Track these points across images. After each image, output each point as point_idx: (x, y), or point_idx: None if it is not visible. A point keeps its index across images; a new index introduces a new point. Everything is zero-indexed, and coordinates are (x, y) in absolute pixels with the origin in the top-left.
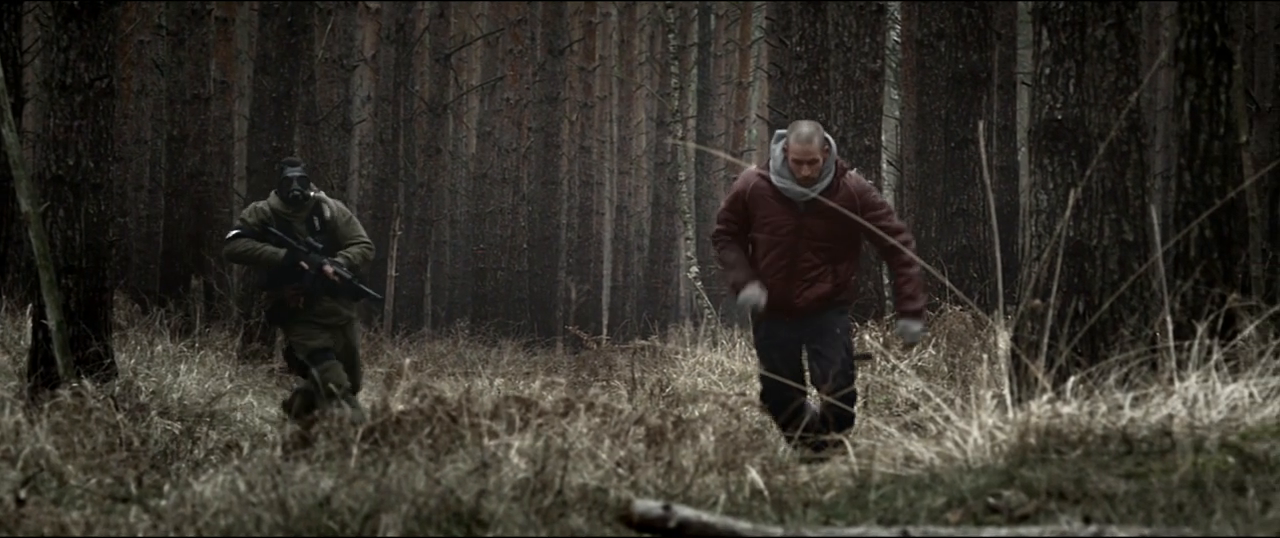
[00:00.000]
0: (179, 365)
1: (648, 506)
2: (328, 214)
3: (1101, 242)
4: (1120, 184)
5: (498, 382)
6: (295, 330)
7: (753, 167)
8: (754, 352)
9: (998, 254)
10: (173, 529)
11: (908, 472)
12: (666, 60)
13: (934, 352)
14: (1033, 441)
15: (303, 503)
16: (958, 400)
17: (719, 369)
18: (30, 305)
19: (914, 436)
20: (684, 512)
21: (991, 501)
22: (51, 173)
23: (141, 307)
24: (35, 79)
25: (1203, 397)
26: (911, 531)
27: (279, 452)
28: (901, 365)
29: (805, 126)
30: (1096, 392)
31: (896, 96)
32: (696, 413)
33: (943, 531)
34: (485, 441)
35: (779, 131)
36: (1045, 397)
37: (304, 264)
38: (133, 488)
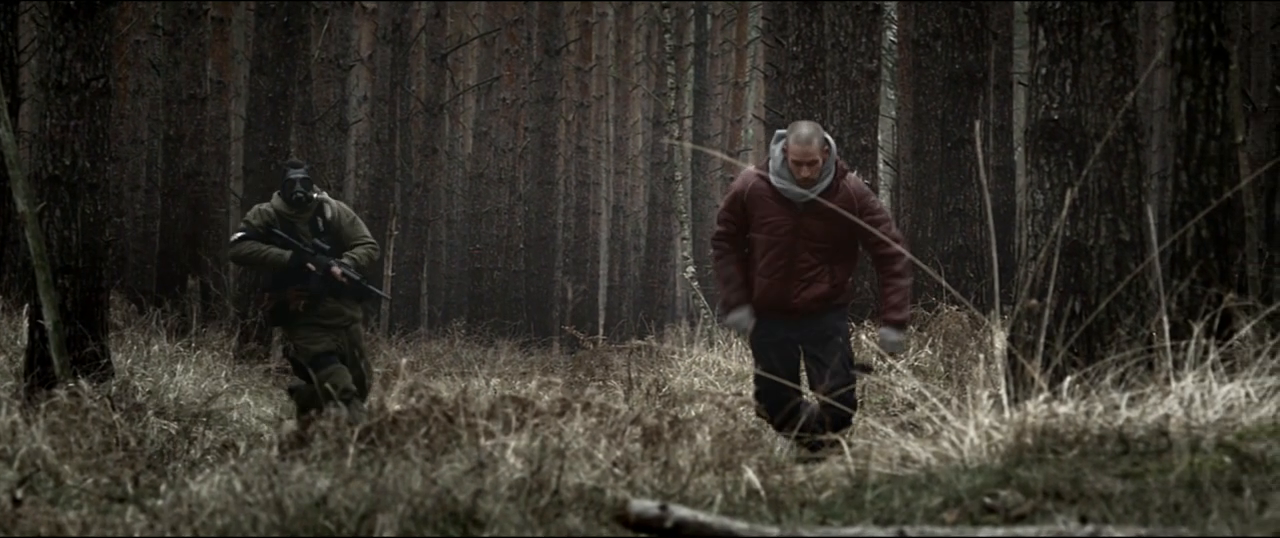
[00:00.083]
0: (175, 365)
1: (644, 505)
2: (330, 215)
3: (1098, 241)
4: (1117, 184)
5: (494, 382)
6: (298, 334)
7: (752, 167)
8: (749, 351)
9: (994, 254)
10: (169, 529)
11: (904, 472)
12: (663, 60)
13: (930, 352)
14: (1029, 440)
15: (299, 503)
16: (954, 400)
17: (715, 369)
18: (27, 305)
19: (910, 435)
20: (680, 512)
21: (988, 501)
22: (48, 173)
23: (138, 307)
24: (31, 79)
25: (1199, 397)
26: (908, 531)
27: (275, 452)
28: (898, 365)
29: (805, 127)
30: (1093, 392)
31: (893, 96)
32: (693, 413)
33: (939, 531)
34: (481, 440)
35: (779, 132)
36: (1042, 397)
37: (311, 265)
38: (129, 488)
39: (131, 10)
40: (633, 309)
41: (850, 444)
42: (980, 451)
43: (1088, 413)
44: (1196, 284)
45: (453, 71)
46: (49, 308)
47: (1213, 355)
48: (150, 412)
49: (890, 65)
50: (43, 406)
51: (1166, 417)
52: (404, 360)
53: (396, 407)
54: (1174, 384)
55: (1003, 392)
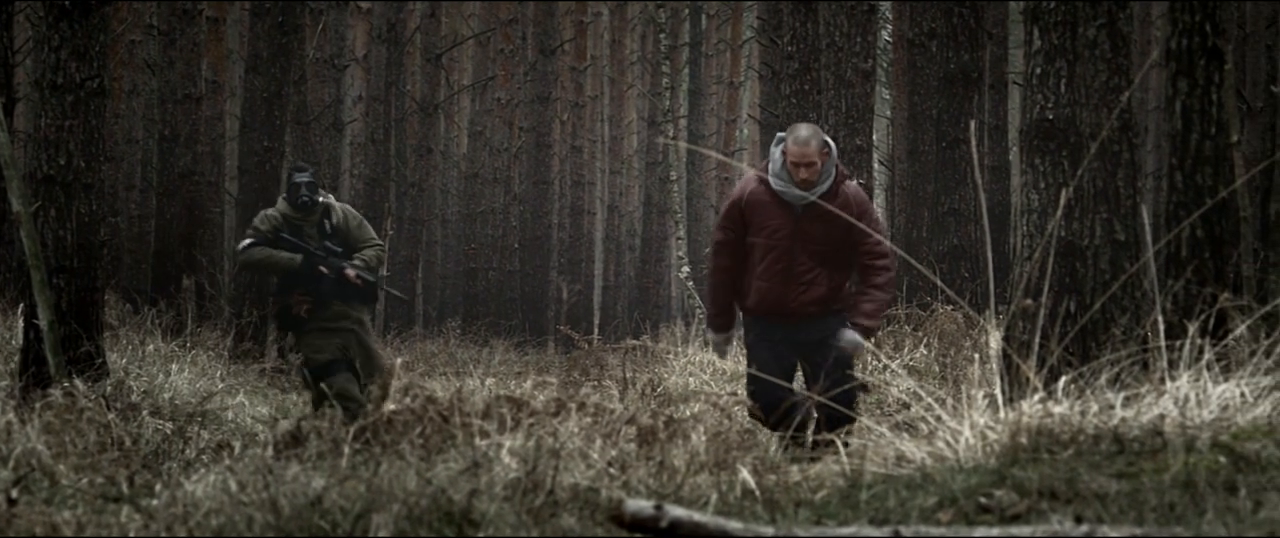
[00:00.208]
0: (170, 365)
1: (639, 505)
2: (336, 218)
3: (1093, 241)
4: (1112, 184)
5: (489, 381)
6: (305, 342)
7: (751, 172)
8: (744, 350)
9: (989, 254)
10: (164, 529)
11: (899, 472)
12: (658, 60)
13: (925, 351)
14: (1024, 440)
15: (294, 503)
16: (949, 400)
17: (710, 369)
18: (21, 305)
19: (905, 435)
20: (676, 512)
21: (983, 500)
22: (43, 172)
23: (133, 306)
24: (26, 79)
25: (1194, 396)
26: (903, 530)
27: (270, 451)
28: (893, 365)
29: (804, 129)
30: (1088, 391)
31: (888, 96)
32: (688, 413)
33: (934, 530)
34: (477, 440)
35: (779, 135)
36: (1037, 396)
37: (323, 268)
38: (124, 488)
39: (126, 10)
40: (628, 309)
41: (845, 444)
42: (975, 450)
43: (1083, 413)
44: (1191, 284)
45: (447, 71)
46: (44, 308)
47: (1208, 355)
48: (145, 412)
49: (885, 65)
50: (37, 405)
51: (1161, 417)
52: (399, 360)
53: (392, 406)
54: (1169, 384)
55: (998, 392)
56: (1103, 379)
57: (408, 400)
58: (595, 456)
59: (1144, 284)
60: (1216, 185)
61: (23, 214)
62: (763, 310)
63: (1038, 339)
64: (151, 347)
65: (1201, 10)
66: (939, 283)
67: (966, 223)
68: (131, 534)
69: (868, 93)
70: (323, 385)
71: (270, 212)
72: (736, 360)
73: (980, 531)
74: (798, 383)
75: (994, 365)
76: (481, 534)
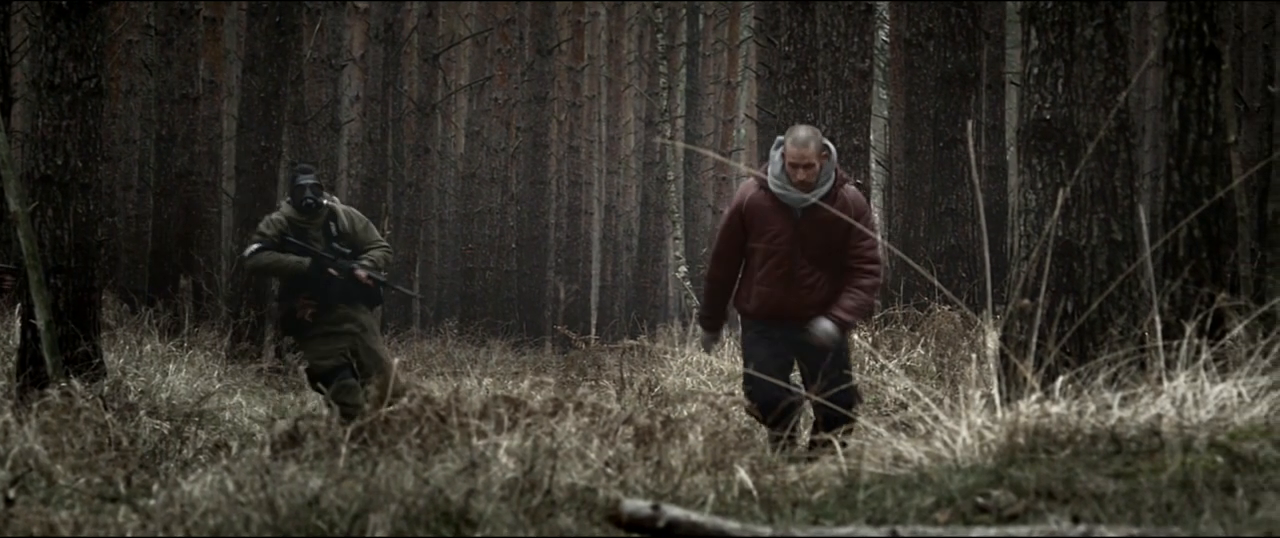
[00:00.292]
0: (168, 365)
1: (636, 505)
2: (342, 220)
3: (1090, 241)
4: (1109, 184)
5: (486, 381)
6: (309, 348)
7: (750, 178)
8: (741, 349)
9: (986, 254)
10: (161, 529)
11: (896, 471)
12: (655, 60)
13: (923, 351)
14: (1021, 440)
15: (291, 503)
16: (946, 400)
17: (707, 369)
18: (19, 305)
19: (903, 435)
20: (673, 511)
21: (980, 500)
22: (40, 172)
23: (130, 306)
24: (23, 79)
25: (1191, 396)
26: (900, 530)
27: (268, 451)
28: (890, 365)
29: (802, 131)
30: (1085, 391)
31: (885, 96)
32: (685, 413)
33: (931, 530)
34: (474, 440)
35: (778, 138)
36: (1034, 397)
37: (332, 270)
38: (121, 488)
39: (124, 10)
40: (625, 309)
41: (842, 444)
42: (973, 450)
43: (1080, 413)
44: (1189, 284)
45: (445, 71)
46: (41, 308)
47: (1205, 355)
48: (142, 412)
49: (882, 65)
50: (35, 405)
51: (1159, 417)
52: (396, 360)
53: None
54: (1166, 384)
55: (995, 391)
56: (1100, 379)
57: (405, 400)
58: (592, 456)
59: (1141, 284)
60: (1214, 185)
61: (20, 214)
62: (764, 315)
63: (1035, 339)
64: (149, 347)
65: (1198, 10)
66: (936, 283)
67: (964, 223)
68: (129, 534)
69: (865, 93)
70: (324, 390)
71: (275, 216)
72: (733, 360)
73: (977, 531)
74: (796, 381)
75: (991, 365)
76: (479, 534)
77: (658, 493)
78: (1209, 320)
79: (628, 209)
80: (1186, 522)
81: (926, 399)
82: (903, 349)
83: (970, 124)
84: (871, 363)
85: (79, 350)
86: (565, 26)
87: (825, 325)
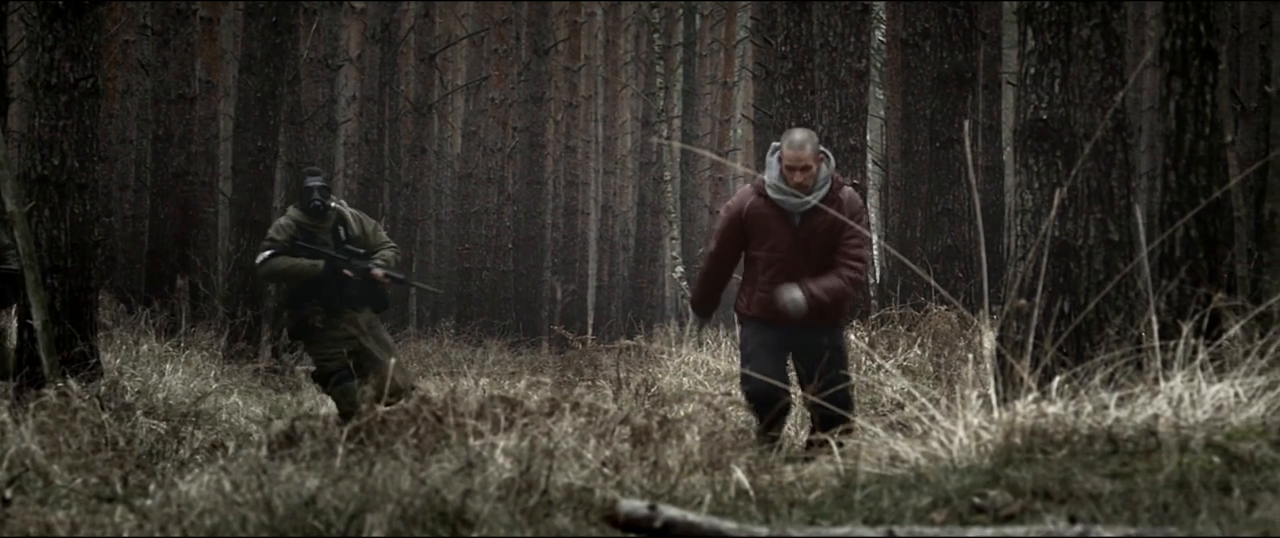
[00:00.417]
0: (164, 365)
1: (633, 505)
2: (351, 223)
3: (1087, 241)
4: (1105, 184)
5: (483, 382)
6: (316, 351)
7: (748, 186)
8: (738, 350)
9: (983, 254)
10: (158, 529)
11: (893, 472)
12: (651, 60)
13: (919, 351)
14: (1018, 440)
15: (288, 503)
16: (943, 400)
17: (704, 369)
18: (15, 305)
19: (899, 435)
20: (669, 512)
21: (977, 500)
22: (37, 173)
23: (127, 306)
24: (20, 79)
25: (1188, 397)
26: (897, 530)
27: (264, 451)
28: (887, 365)
29: (798, 133)
30: (1082, 392)
31: (881, 96)
32: (682, 413)
33: (928, 530)
34: (470, 440)
35: (773, 145)
36: (1031, 397)
37: (347, 272)
38: (118, 488)
39: (120, 10)
40: (621, 309)
41: (839, 444)
42: (969, 450)
43: (1077, 413)
44: (1185, 284)
45: (441, 71)
46: (37, 308)
47: (1201, 355)
48: (139, 412)
49: (879, 65)
50: (31, 405)
51: (1155, 417)
52: (393, 361)
53: (385, 407)
54: (1163, 384)
55: (992, 392)
56: (1097, 379)
57: (402, 400)
58: (589, 456)
59: (1138, 284)
60: (1210, 185)
61: (16, 214)
62: (765, 317)
63: (1032, 339)
64: (145, 347)
65: (1196, 10)
66: (933, 283)
67: (960, 223)
68: (125, 534)
69: (862, 93)
70: (331, 393)
71: (283, 221)
72: (730, 361)
73: (974, 531)
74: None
75: (988, 366)
76: (475, 535)
77: (654, 493)
78: (1206, 321)
79: (624, 209)
80: (1183, 522)
81: (923, 399)
82: (899, 349)
83: (967, 124)
84: (868, 363)
85: (76, 351)
86: (562, 26)
87: (794, 293)
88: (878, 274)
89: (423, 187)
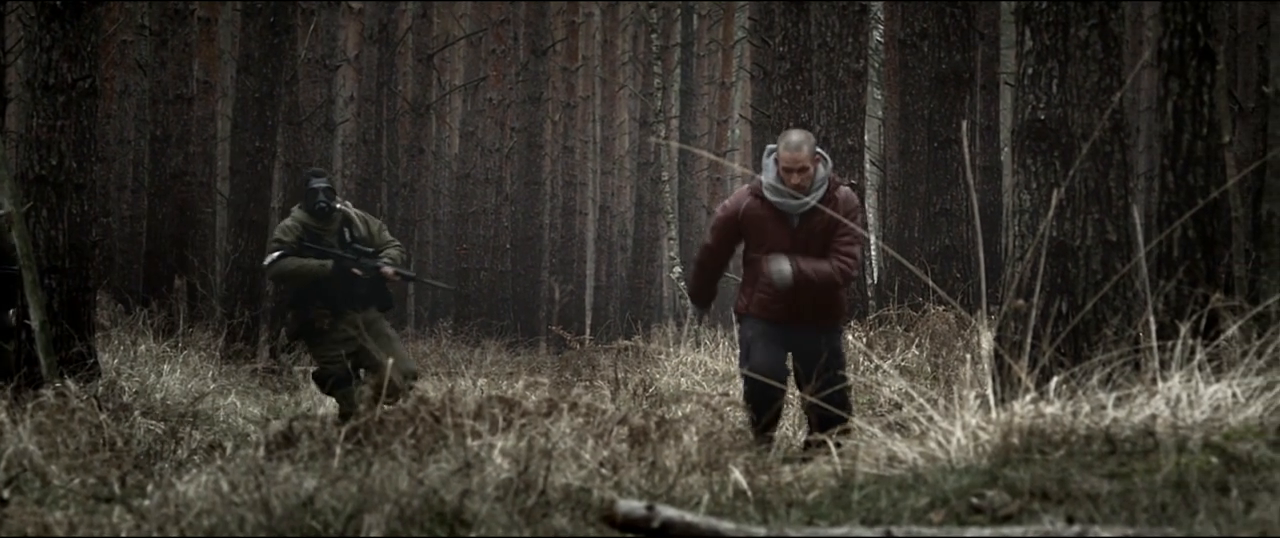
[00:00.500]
0: (162, 366)
1: (631, 506)
2: (357, 223)
3: (1084, 242)
4: (1103, 184)
5: (481, 382)
6: (319, 352)
7: (745, 186)
8: (737, 350)
9: (981, 254)
10: (156, 529)
11: (891, 472)
12: (649, 60)
13: (917, 352)
14: (1016, 441)
15: (286, 503)
16: (941, 401)
17: (702, 369)
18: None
19: (897, 436)
20: (667, 512)
21: (975, 501)
22: (35, 173)
23: (124, 307)
24: (18, 79)
25: (1186, 397)
26: (895, 531)
27: (262, 452)
28: (885, 365)
29: (795, 135)
30: (1080, 392)
31: (879, 97)
32: (680, 413)
33: (926, 531)
34: (469, 441)
35: (769, 147)
36: (1028, 397)
37: (357, 270)
38: (116, 488)
39: (118, 10)
40: (619, 309)
41: (837, 445)
42: (967, 451)
43: (1074, 413)
44: (1183, 284)
45: (439, 72)
46: (35, 308)
47: (1199, 356)
48: (137, 412)
49: (877, 65)
50: (29, 406)
51: (1153, 417)
52: (390, 361)
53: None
54: (1161, 384)
55: (989, 392)
56: (1094, 380)
57: (400, 401)
58: (587, 456)
59: (1136, 285)
60: (1208, 186)
61: (14, 214)
62: (764, 317)
63: (1029, 340)
64: (143, 347)
65: (1193, 11)
66: (931, 283)
67: (958, 223)
68: (123, 535)
69: (859, 93)
70: (334, 394)
71: (289, 222)
72: (728, 361)
73: (972, 531)
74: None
75: (986, 366)
76: (473, 535)
77: (652, 494)
78: (1203, 321)
79: (622, 209)
80: (1181, 522)
81: (921, 400)
82: (897, 350)
83: (965, 124)
84: (866, 363)
85: (73, 351)
86: (560, 27)
87: (782, 264)
88: (876, 274)
89: (420, 187)
